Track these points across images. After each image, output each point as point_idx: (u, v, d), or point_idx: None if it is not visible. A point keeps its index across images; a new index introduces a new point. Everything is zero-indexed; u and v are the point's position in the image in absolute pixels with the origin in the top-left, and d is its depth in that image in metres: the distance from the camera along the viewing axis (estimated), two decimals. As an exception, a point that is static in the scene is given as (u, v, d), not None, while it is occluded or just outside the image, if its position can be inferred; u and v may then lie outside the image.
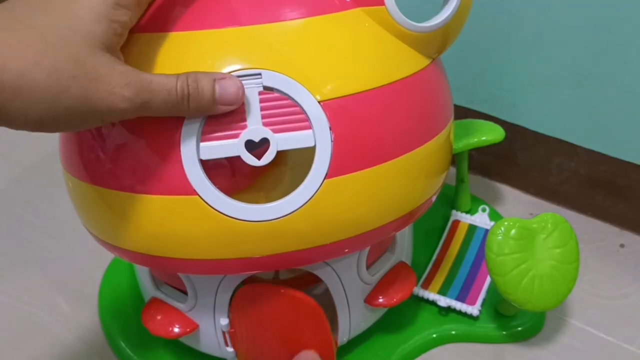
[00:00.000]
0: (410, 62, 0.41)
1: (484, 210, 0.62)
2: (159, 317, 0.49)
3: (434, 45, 0.43)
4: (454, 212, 0.63)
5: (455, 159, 0.63)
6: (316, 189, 0.37)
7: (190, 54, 0.37)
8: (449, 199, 0.66)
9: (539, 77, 0.63)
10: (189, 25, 0.38)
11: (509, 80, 0.65)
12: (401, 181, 0.41)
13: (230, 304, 0.46)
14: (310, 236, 0.39)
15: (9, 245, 0.67)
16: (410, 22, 0.40)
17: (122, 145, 0.38)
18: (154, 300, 0.50)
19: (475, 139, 0.57)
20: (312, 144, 0.37)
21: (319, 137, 0.37)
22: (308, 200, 0.37)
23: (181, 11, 0.39)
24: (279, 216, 0.37)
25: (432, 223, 0.63)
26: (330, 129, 0.37)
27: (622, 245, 0.63)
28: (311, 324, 0.45)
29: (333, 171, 0.37)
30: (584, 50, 0.58)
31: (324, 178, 0.37)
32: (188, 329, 0.48)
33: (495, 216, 0.64)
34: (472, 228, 0.62)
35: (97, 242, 0.44)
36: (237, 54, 0.37)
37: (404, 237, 0.53)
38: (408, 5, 0.43)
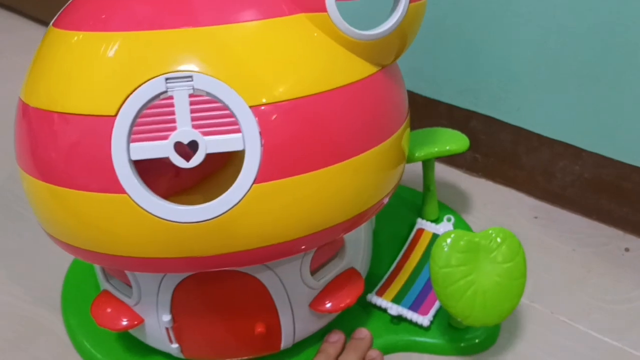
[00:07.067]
0: (352, 69, 0.41)
1: (449, 220, 0.62)
2: (108, 310, 0.50)
3: (382, 53, 0.43)
4: (419, 220, 0.62)
5: (421, 167, 0.63)
6: (244, 193, 0.37)
7: (123, 55, 0.38)
8: (417, 206, 0.65)
9: (543, 81, 0.63)
10: (125, 25, 0.38)
11: (514, 83, 0.65)
12: (336, 189, 0.41)
13: (172, 300, 0.46)
14: (239, 240, 0.39)
15: (11, 245, 0.67)
16: (353, 29, 0.40)
17: (59, 141, 0.39)
18: (105, 292, 0.51)
19: (437, 149, 0.56)
20: (241, 148, 0.37)
21: (248, 141, 0.37)
22: (235, 205, 0.37)
23: (116, 11, 0.39)
24: (205, 219, 0.37)
25: (397, 229, 0.63)
26: (260, 133, 0.37)
27: (626, 249, 0.63)
28: (255, 300, 0.46)
29: (262, 176, 0.37)
30: (588, 53, 0.59)
31: (252, 183, 0.37)
32: (135, 322, 0.49)
33: (461, 226, 0.63)
34: (435, 237, 0.61)
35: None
36: (170, 56, 0.37)
37: (358, 244, 0.53)
38: (364, 11, 0.43)
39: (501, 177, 0.73)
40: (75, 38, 0.40)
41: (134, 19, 0.39)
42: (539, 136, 0.66)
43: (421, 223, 0.62)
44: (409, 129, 0.49)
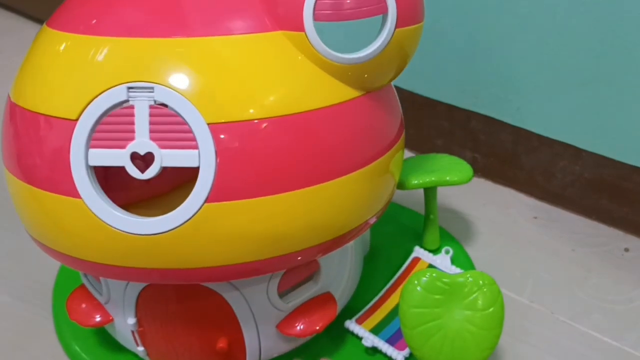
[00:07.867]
0: (326, 92, 0.39)
1: (447, 252, 0.59)
2: (83, 306, 0.50)
3: (368, 77, 0.41)
4: (416, 248, 0.59)
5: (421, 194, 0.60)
6: (194, 211, 0.36)
7: (96, 60, 0.37)
8: (418, 232, 0.62)
9: (543, 81, 0.63)
10: (106, 30, 0.38)
11: (514, 83, 0.65)
12: (300, 214, 0.39)
13: (136, 304, 0.46)
14: (193, 257, 0.38)
15: (11, 244, 0.66)
16: (331, 51, 0.38)
17: (28, 142, 0.39)
18: (82, 287, 0.51)
19: (435, 178, 0.53)
20: (195, 165, 0.36)
21: (203, 159, 0.36)
22: (185, 222, 0.37)
23: (103, 15, 0.39)
24: (155, 232, 0.37)
25: (393, 256, 0.60)
26: (216, 152, 0.36)
27: (626, 250, 0.63)
28: (218, 315, 0.45)
29: (215, 196, 0.36)
30: (588, 53, 0.58)
31: (204, 202, 0.36)
32: (109, 319, 0.49)
33: (460, 259, 0.60)
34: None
35: None
36: (138, 65, 0.37)
37: (342, 267, 0.51)
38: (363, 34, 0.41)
39: (501, 177, 0.72)
40: (62, 40, 0.40)
41: (116, 25, 0.39)
42: (539, 136, 0.66)
43: (418, 252, 0.59)
44: (400, 153, 0.47)
